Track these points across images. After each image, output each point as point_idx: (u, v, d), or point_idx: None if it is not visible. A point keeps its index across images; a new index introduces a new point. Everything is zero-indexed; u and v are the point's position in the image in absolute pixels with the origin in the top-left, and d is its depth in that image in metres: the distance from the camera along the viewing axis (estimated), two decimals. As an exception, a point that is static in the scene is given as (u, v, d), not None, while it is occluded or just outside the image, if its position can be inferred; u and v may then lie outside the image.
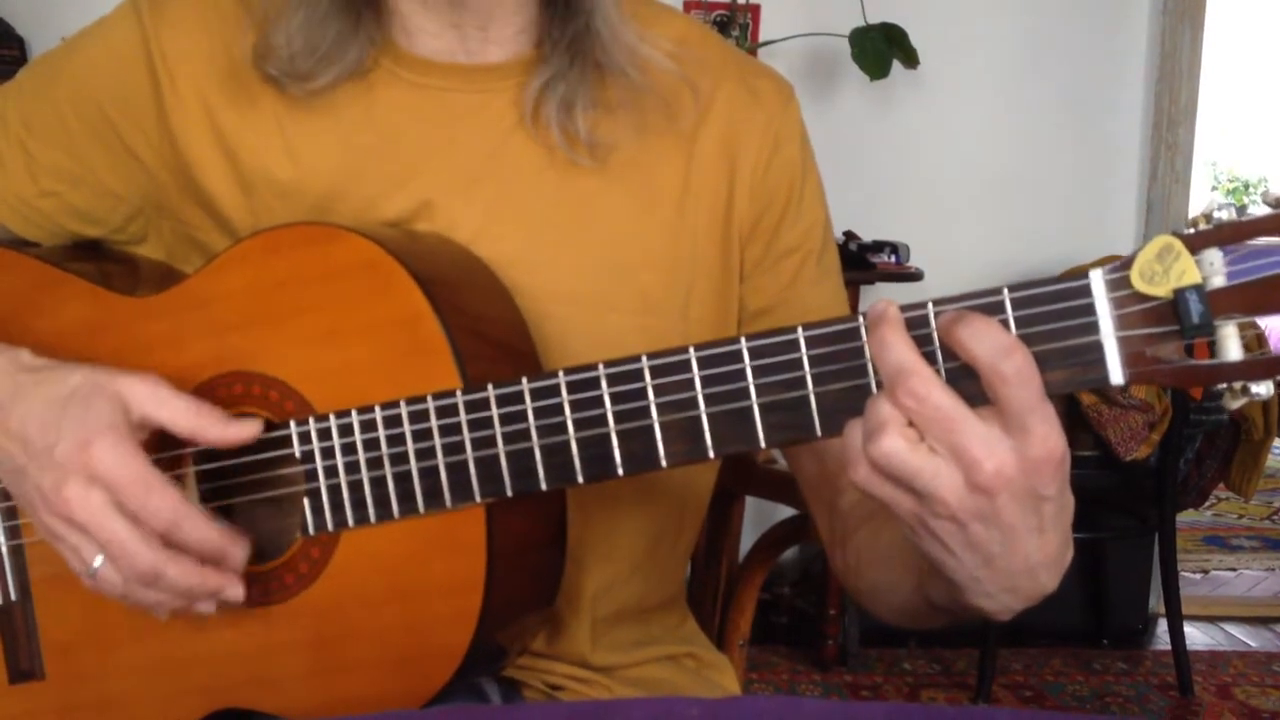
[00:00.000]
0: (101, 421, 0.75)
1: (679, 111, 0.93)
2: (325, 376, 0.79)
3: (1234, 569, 3.92)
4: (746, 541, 1.25)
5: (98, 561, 0.75)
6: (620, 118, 0.90)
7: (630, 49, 0.89)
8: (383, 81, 0.89)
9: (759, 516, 1.65)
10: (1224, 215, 0.57)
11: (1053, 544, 0.63)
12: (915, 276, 2.88)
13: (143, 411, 0.76)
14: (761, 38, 3.04)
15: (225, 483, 0.83)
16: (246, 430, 0.78)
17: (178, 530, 0.75)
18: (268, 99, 0.89)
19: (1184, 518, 3.54)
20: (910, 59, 2.82)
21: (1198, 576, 3.82)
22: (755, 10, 3.07)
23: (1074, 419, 2.78)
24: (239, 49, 0.89)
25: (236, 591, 0.78)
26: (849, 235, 2.93)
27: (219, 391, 0.81)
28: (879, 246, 2.93)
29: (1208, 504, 3.83)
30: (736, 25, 2.97)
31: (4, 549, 0.87)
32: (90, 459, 0.74)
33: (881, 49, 2.78)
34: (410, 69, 0.89)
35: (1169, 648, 2.89)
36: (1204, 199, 7.44)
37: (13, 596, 0.87)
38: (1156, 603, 3.20)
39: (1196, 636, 3.24)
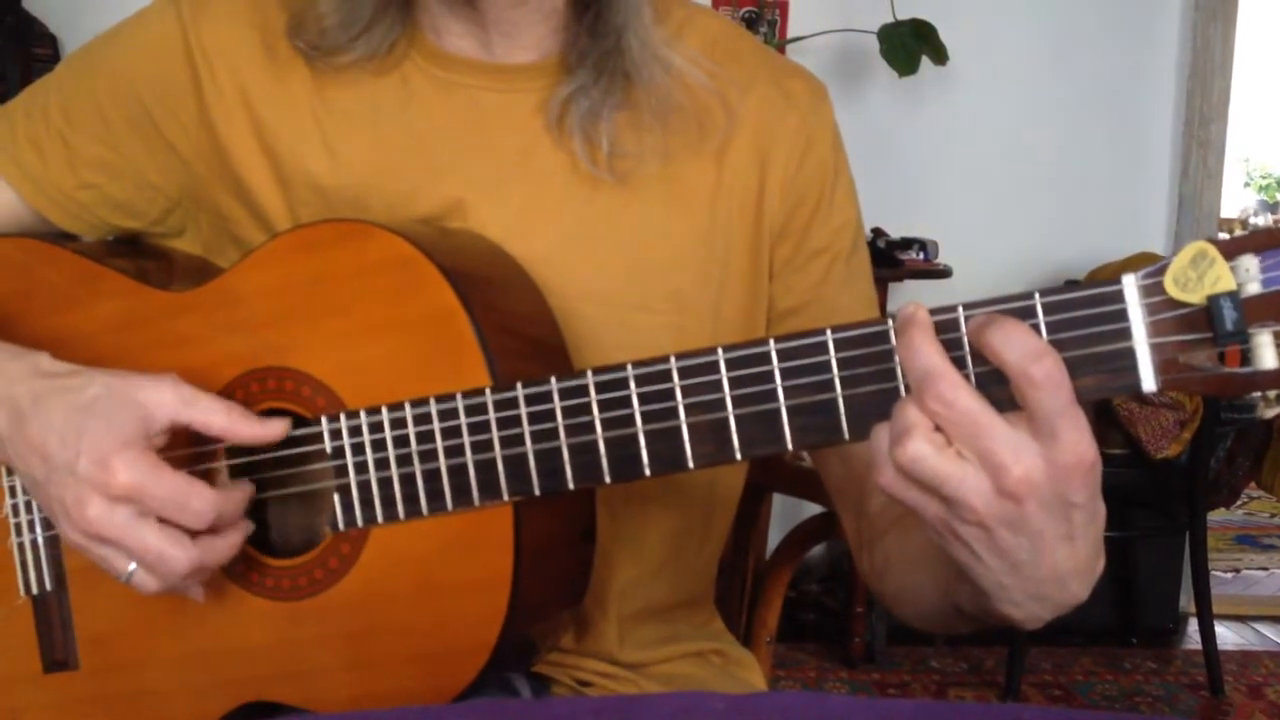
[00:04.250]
0: (120, 436, 0.75)
1: (710, 128, 0.92)
2: (356, 373, 0.80)
3: (1265, 568, 3.89)
4: (774, 538, 1.25)
5: (131, 569, 0.76)
6: (648, 127, 0.90)
7: (664, 62, 0.88)
8: (415, 77, 0.90)
9: (786, 513, 1.66)
10: (1260, 222, 0.57)
11: (1083, 552, 0.62)
12: (944, 274, 2.86)
13: (171, 416, 0.77)
14: (789, 34, 3.03)
15: (256, 477, 0.84)
16: (276, 428, 0.79)
17: (222, 519, 0.77)
18: (306, 93, 0.90)
19: (1215, 516, 3.51)
20: (939, 55, 2.81)
21: (1229, 576, 3.79)
22: (783, 7, 3.06)
23: (1104, 417, 2.77)
24: (278, 42, 0.90)
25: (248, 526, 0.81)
26: (877, 232, 2.92)
27: (251, 386, 0.82)
28: (907, 243, 2.92)
29: (1239, 503, 3.81)
30: (764, 22, 2.96)
31: (40, 539, 0.89)
32: (111, 477, 0.74)
33: (910, 45, 2.77)
34: (440, 65, 0.90)
35: (1199, 647, 2.87)
36: (1236, 196, 7.37)
37: (48, 586, 0.88)
38: (1187, 602, 3.18)
39: (1227, 636, 3.22)
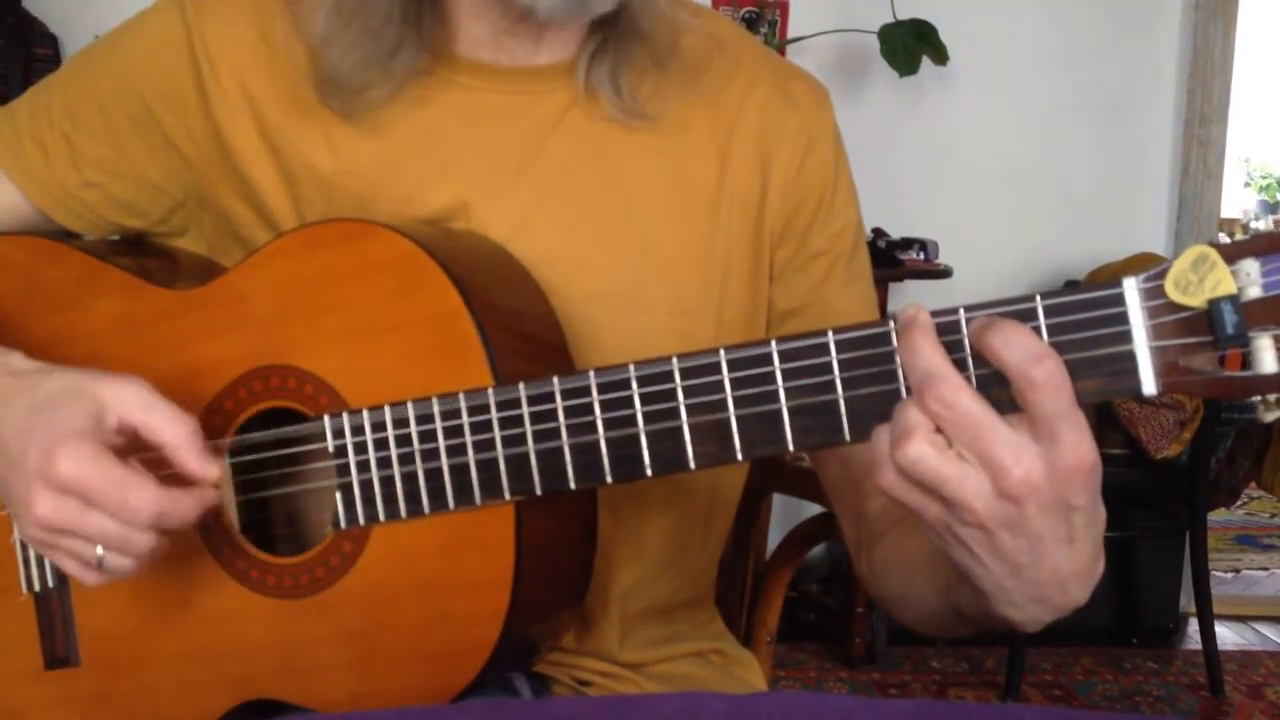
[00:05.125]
0: (67, 426, 0.73)
1: (709, 69, 0.94)
2: (359, 371, 0.80)
3: (1266, 568, 3.89)
4: (774, 538, 1.26)
5: (99, 553, 0.74)
6: (660, 81, 0.92)
7: (668, 19, 0.90)
8: (430, 83, 0.90)
9: (786, 513, 1.66)
10: (1261, 225, 0.57)
11: (1083, 555, 0.63)
12: (944, 274, 2.86)
13: (122, 415, 0.74)
14: (790, 34, 3.03)
15: (259, 475, 0.84)
16: (213, 471, 0.75)
17: (165, 519, 0.74)
18: (310, 92, 0.89)
19: (1215, 516, 3.51)
20: (940, 55, 2.81)
21: (1229, 576, 3.79)
22: (784, 7, 3.06)
23: (1104, 417, 2.77)
24: (282, 41, 0.89)
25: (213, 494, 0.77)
26: (878, 232, 2.92)
27: (255, 384, 0.83)
28: (908, 244, 2.92)
29: (1239, 503, 3.81)
30: (765, 22, 2.97)
31: (42, 536, 0.89)
32: (54, 467, 0.72)
33: (911, 45, 2.77)
34: (447, 67, 0.90)
35: (1200, 647, 2.87)
36: (1236, 196, 7.37)
37: (50, 583, 0.89)
38: (1187, 602, 3.18)
39: (1227, 636, 3.22)
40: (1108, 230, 3.20)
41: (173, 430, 0.75)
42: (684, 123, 0.93)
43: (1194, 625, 3.00)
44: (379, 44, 0.86)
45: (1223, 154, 3.28)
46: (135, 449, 0.76)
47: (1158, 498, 2.92)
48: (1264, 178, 8.36)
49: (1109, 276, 0.60)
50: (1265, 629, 3.33)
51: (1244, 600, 3.55)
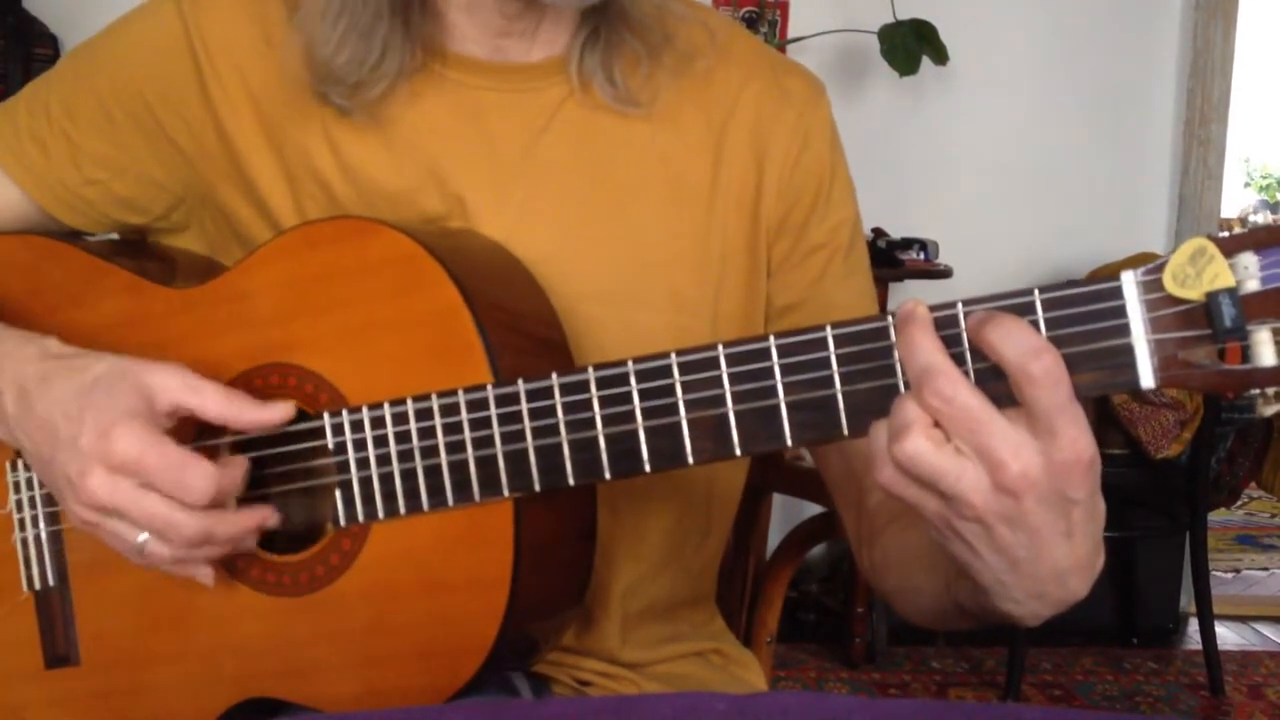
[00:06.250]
0: (122, 409, 0.75)
1: (701, 59, 0.94)
2: (359, 369, 0.80)
3: (1266, 568, 3.89)
4: (774, 538, 1.26)
5: (142, 539, 0.76)
6: (653, 69, 0.92)
7: (658, 6, 0.91)
8: (425, 81, 0.90)
9: (787, 513, 1.66)
10: (1260, 220, 0.57)
11: (1082, 549, 0.62)
12: (944, 274, 2.87)
13: (173, 400, 0.77)
14: (790, 34, 3.04)
15: (260, 473, 0.84)
16: (280, 412, 0.78)
17: (222, 493, 0.76)
18: (310, 92, 0.89)
19: (1215, 516, 3.51)
20: (940, 55, 2.82)
21: (1229, 576, 3.79)
22: (784, 7, 3.06)
23: (1104, 417, 2.77)
24: (281, 40, 0.89)
25: (273, 518, 0.80)
26: (878, 232, 2.92)
27: (255, 382, 0.83)
28: (908, 243, 2.92)
29: (1239, 503, 3.81)
30: (765, 22, 2.97)
31: (43, 534, 0.89)
32: (111, 448, 0.74)
33: (911, 45, 2.77)
34: (445, 65, 0.90)
35: (1200, 647, 2.87)
36: (1236, 196, 7.37)
37: (50, 582, 0.89)
38: (1187, 602, 3.18)
39: (1228, 636, 3.22)
40: (1107, 230, 3.20)
41: (220, 404, 0.77)
42: (678, 115, 0.93)
43: (1194, 625, 3.00)
44: (368, 41, 0.86)
45: (1223, 154, 3.28)
46: (182, 435, 0.78)
47: (1158, 498, 2.92)
48: (1264, 178, 8.35)
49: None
50: (1265, 629, 3.33)
51: (1244, 600, 3.55)
